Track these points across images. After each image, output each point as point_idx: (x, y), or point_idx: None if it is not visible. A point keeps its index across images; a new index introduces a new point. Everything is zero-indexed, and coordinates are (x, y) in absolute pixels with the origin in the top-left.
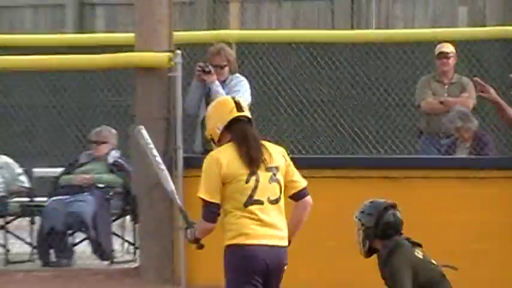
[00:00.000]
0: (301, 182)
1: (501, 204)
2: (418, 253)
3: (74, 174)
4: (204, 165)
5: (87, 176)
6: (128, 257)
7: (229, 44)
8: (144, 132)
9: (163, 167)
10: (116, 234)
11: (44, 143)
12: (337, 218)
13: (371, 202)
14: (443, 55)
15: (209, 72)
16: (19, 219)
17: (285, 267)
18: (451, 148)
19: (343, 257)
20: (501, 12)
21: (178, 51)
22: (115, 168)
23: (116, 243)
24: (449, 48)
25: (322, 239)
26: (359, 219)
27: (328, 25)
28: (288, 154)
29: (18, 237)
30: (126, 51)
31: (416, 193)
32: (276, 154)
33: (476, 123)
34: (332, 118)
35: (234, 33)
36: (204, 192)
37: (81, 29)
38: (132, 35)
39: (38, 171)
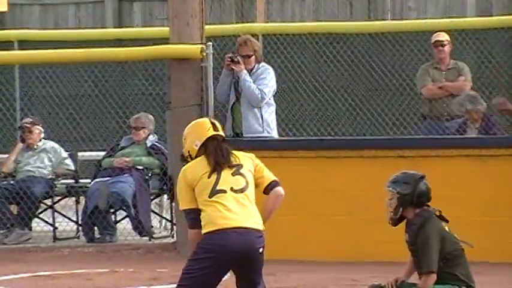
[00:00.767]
0: (270, 176)
1: (510, 179)
2: (445, 226)
3: (115, 157)
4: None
5: (127, 159)
6: (166, 233)
7: (255, 35)
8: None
9: None
10: (154, 212)
11: (88, 129)
12: (358, 194)
13: (404, 173)
14: (439, 43)
15: (237, 62)
16: (65, 199)
17: (260, 250)
18: (461, 128)
19: (361, 227)
20: (506, 0)
21: (210, 43)
22: (153, 151)
23: (154, 221)
24: (444, 36)
25: (344, 215)
26: (393, 188)
27: (347, 17)
28: (312, 136)
29: (64, 216)
30: (161, 44)
31: (430, 171)
32: (243, 158)
33: (485, 105)
34: (351, 103)
35: (260, 25)
36: (181, 203)
37: (120, 24)
38: (167, 28)
39: (82, 155)
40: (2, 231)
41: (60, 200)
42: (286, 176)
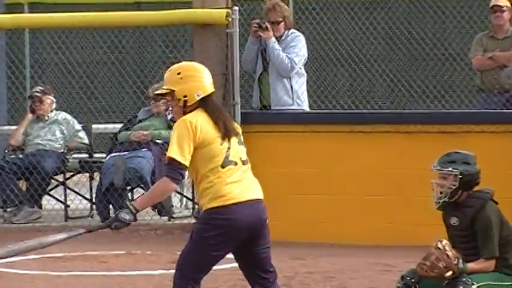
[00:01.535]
0: None
1: None
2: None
3: (133, 130)
4: (176, 128)
5: (146, 132)
6: (187, 213)
7: (285, 0)
8: None
9: None
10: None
11: (103, 99)
12: (395, 173)
13: (457, 152)
14: (498, 8)
15: (266, 28)
16: (78, 175)
17: (267, 221)
18: (508, 102)
19: (397, 208)
20: None
21: (236, 8)
22: (173, 124)
23: (175, 199)
24: (503, 1)
25: (379, 195)
26: (454, 168)
27: None
28: (345, 109)
29: (77, 193)
30: (183, 8)
31: (473, 147)
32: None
33: None
34: (389, 74)
35: None
36: (178, 154)
37: None
38: None
39: (97, 127)
40: (10, 209)
41: (72, 176)
42: (317, 153)
